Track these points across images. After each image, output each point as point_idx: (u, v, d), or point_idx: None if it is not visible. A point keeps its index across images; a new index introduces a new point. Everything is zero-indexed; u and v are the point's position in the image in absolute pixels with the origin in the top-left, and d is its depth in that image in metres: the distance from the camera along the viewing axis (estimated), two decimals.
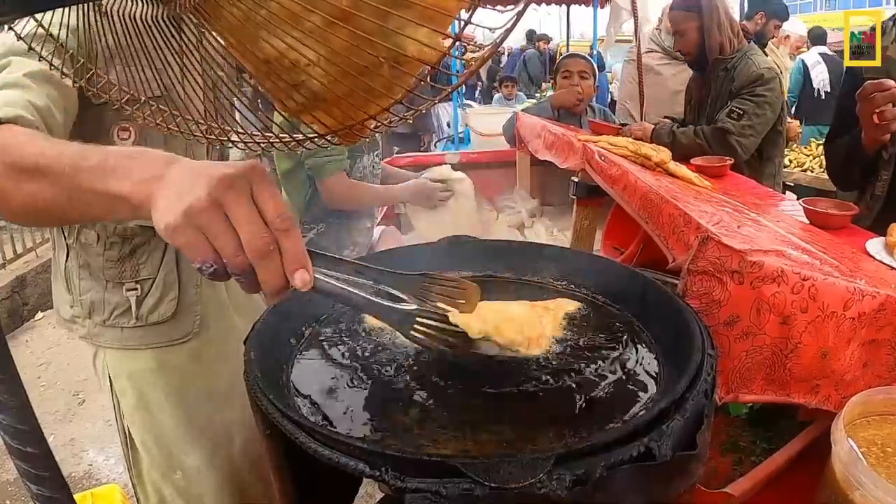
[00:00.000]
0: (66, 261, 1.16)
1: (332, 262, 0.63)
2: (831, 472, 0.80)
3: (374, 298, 0.64)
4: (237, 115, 0.67)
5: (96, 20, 0.60)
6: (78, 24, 0.62)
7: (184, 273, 1.16)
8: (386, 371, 0.79)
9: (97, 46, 0.78)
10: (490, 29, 0.42)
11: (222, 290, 1.28)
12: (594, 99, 2.89)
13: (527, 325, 0.81)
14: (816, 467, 0.87)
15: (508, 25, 0.44)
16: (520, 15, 0.43)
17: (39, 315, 3.85)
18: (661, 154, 1.52)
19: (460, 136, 4.58)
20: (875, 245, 1.16)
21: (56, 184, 0.59)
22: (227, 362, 1.25)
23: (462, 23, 0.43)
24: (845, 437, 0.80)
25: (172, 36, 0.56)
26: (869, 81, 1.33)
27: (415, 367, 0.80)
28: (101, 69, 0.69)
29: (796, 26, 5.77)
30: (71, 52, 0.76)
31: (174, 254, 1.14)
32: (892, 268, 1.07)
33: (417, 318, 0.61)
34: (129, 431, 1.24)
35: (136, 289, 1.12)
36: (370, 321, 0.88)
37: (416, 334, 0.62)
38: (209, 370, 1.24)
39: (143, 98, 0.68)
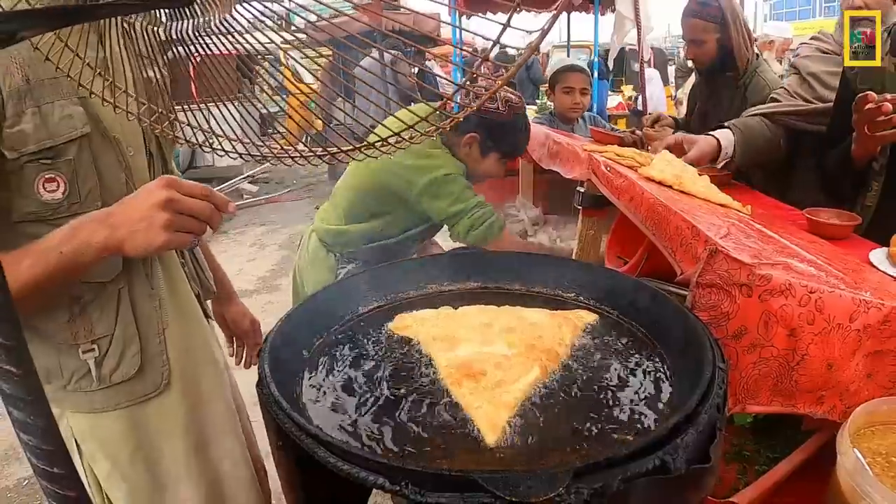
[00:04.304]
0: None
1: None
2: (836, 483, 0.81)
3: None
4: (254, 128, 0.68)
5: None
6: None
7: (142, 323, 1.07)
8: (399, 381, 0.80)
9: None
10: (516, 48, 0.43)
11: (191, 328, 1.16)
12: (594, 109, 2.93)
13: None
14: (821, 476, 0.88)
15: (534, 43, 0.45)
16: (546, 31, 0.44)
17: None
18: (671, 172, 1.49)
19: None
20: (878, 255, 1.16)
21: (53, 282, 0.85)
22: (208, 405, 1.18)
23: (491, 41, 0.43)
24: (851, 447, 0.81)
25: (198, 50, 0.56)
26: (864, 93, 1.33)
27: (427, 377, 0.81)
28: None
29: (780, 29, 5.82)
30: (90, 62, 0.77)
31: (130, 305, 1.04)
32: (895, 278, 1.08)
33: None
34: (106, 497, 1.13)
35: (92, 349, 1.01)
36: (390, 328, 0.94)
37: None
38: (188, 420, 1.15)
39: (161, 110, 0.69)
